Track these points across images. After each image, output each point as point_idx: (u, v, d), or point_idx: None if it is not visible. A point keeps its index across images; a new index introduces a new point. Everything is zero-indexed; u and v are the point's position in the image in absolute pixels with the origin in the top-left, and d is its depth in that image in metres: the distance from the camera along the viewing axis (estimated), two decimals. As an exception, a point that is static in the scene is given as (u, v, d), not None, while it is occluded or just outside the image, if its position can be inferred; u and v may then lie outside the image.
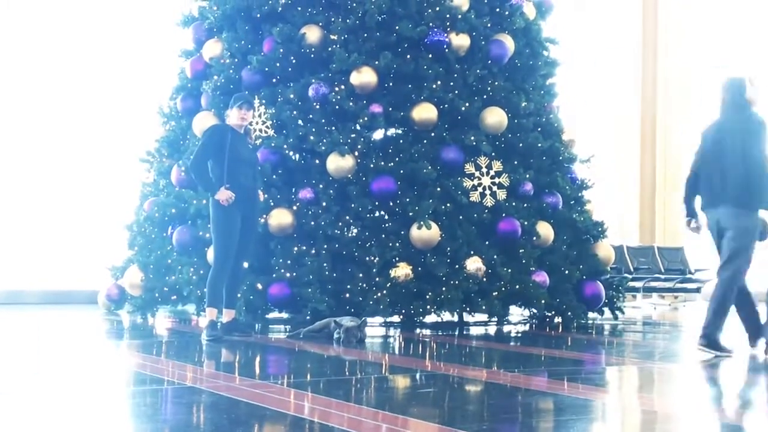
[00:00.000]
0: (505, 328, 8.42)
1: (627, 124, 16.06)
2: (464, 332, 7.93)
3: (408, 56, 8.66)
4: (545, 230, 8.81)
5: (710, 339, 5.76)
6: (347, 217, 8.20)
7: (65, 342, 6.49)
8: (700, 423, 3.53)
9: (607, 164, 14.89)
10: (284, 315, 8.40)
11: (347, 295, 7.95)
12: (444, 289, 8.08)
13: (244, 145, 6.74)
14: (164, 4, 11.73)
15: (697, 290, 14.32)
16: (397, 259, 8.09)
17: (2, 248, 11.00)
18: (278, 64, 8.64)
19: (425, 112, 8.56)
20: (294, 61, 8.65)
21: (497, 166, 8.61)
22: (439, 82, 8.67)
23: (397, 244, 8.15)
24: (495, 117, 8.78)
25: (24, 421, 3.25)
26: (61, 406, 3.60)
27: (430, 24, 8.73)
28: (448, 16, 8.81)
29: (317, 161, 8.35)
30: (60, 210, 11.32)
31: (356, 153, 8.29)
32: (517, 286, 8.43)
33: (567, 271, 8.94)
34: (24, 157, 11.27)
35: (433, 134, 8.64)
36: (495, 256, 8.38)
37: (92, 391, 4.09)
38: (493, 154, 8.70)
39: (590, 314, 9.31)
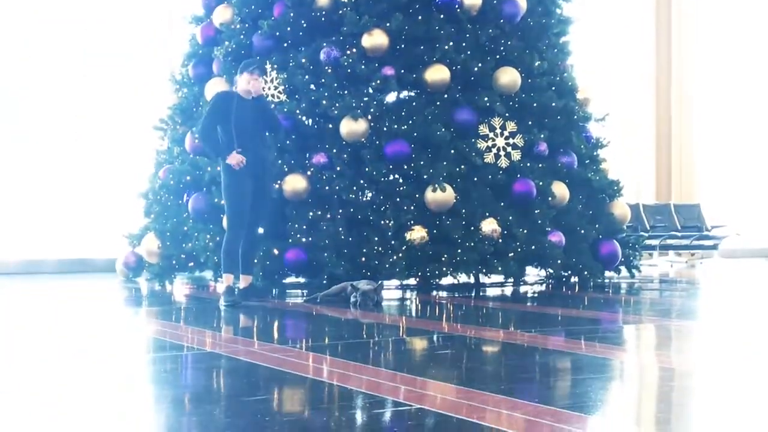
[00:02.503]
0: (522, 289, 8.43)
1: (642, 80, 15.91)
2: (481, 294, 7.95)
3: (419, 17, 8.58)
4: (560, 190, 8.78)
5: None
6: (361, 181, 8.19)
7: (84, 310, 6.55)
8: (718, 380, 3.53)
9: (622, 122, 14.78)
10: (301, 280, 8.44)
11: (363, 258, 7.96)
12: (460, 251, 8.08)
13: (250, 111, 6.69)
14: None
15: (714, 247, 14.27)
16: (412, 222, 8.09)
17: (20, 218, 11.07)
18: (289, 29, 8.59)
19: (438, 73, 8.50)
20: (305, 24, 8.59)
21: (511, 126, 8.56)
22: (451, 43, 8.60)
23: (412, 207, 8.14)
24: (508, 77, 8.72)
25: (44, 387, 3.29)
26: (82, 373, 3.64)
27: (441, -16, 8.63)
28: (459, -25, 8.71)
29: (330, 126, 8.32)
30: (76, 179, 11.36)
31: (369, 116, 8.25)
32: (533, 247, 8.42)
33: (583, 231, 8.92)
34: (40, 127, 11.30)
35: (446, 96, 8.58)
36: (510, 217, 8.36)
37: (112, 358, 4.13)
38: (506, 114, 8.64)
39: (607, 273, 9.30)
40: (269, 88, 8.31)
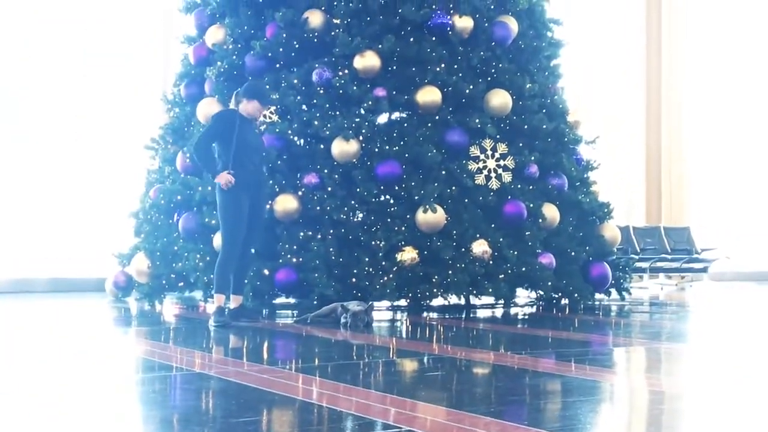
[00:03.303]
0: (512, 311, 8.43)
1: (632, 103, 16.01)
2: (471, 315, 7.94)
3: (411, 39, 8.63)
4: (551, 212, 8.81)
5: None
6: (353, 202, 8.20)
7: (73, 330, 6.52)
8: (708, 403, 3.53)
9: (612, 145, 14.86)
10: (291, 300, 8.42)
11: (354, 279, 7.96)
12: (450, 272, 8.09)
13: (251, 132, 6.76)
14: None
15: (704, 270, 14.32)
16: (403, 243, 8.09)
17: (10, 237, 11.03)
18: (281, 50, 8.62)
19: (429, 95, 8.54)
20: (297, 45, 8.62)
21: (502, 148, 8.59)
22: (442, 65, 8.65)
23: (403, 228, 8.15)
24: (499, 99, 8.76)
25: (33, 408, 3.27)
26: (70, 394, 3.62)
27: (433, 6, 8.70)
28: (451, -2, 8.78)
29: (322, 146, 8.34)
30: (67, 198, 11.34)
31: (361, 137, 8.27)
32: (524, 269, 8.43)
33: (573, 253, 8.94)
34: (30, 146, 11.27)
35: (437, 117, 8.62)
36: (501, 239, 8.37)
37: (101, 379, 4.11)
38: (497, 136, 8.68)
39: (597, 295, 9.31)
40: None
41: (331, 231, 8.07)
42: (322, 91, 8.42)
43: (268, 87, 8.31)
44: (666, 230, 14.82)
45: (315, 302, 7.64)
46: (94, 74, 11.60)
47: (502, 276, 8.33)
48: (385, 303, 8.24)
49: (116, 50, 11.76)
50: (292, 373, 4.19)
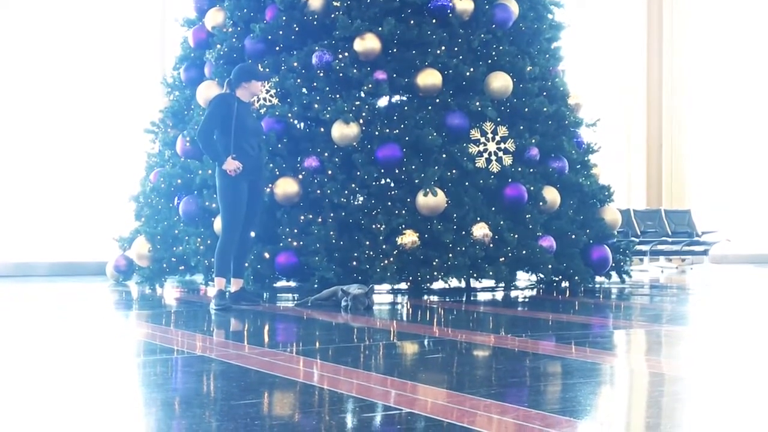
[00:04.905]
0: (513, 294, 8.44)
1: (633, 86, 15.96)
2: (471, 298, 7.95)
3: (411, 22, 8.60)
4: (551, 195, 8.80)
5: None
6: (353, 185, 8.19)
7: (74, 313, 6.53)
8: (708, 385, 3.54)
9: (613, 127, 14.82)
10: (292, 283, 8.43)
11: (354, 262, 7.96)
12: (451, 255, 8.09)
13: (249, 115, 6.75)
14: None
15: (704, 253, 14.33)
16: (403, 226, 8.09)
17: (10, 221, 11.03)
18: (281, 32, 8.59)
19: (430, 78, 8.51)
20: (297, 28, 8.59)
21: (503, 131, 8.58)
22: (443, 48, 8.62)
23: (404, 212, 8.14)
24: (500, 82, 8.74)
25: (34, 391, 3.28)
26: (72, 377, 3.63)
27: (434, -11, 8.65)
28: (451, -20, 8.73)
29: (322, 129, 8.32)
30: (67, 182, 11.33)
31: (361, 120, 8.26)
32: (524, 252, 8.43)
33: (574, 236, 8.94)
34: (31, 130, 11.26)
35: (437, 100, 8.60)
36: (501, 222, 8.37)
37: (102, 362, 4.12)
38: (498, 119, 8.66)
39: (597, 278, 9.32)
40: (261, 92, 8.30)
41: (332, 214, 8.07)
42: (322, 74, 8.40)
43: (267, 70, 8.30)
44: (666, 213, 14.81)
45: (315, 285, 7.65)
46: (92, 58, 11.56)
47: (503, 259, 8.34)
48: (386, 286, 8.25)
49: (115, 33, 11.71)
50: (293, 355, 4.20)
